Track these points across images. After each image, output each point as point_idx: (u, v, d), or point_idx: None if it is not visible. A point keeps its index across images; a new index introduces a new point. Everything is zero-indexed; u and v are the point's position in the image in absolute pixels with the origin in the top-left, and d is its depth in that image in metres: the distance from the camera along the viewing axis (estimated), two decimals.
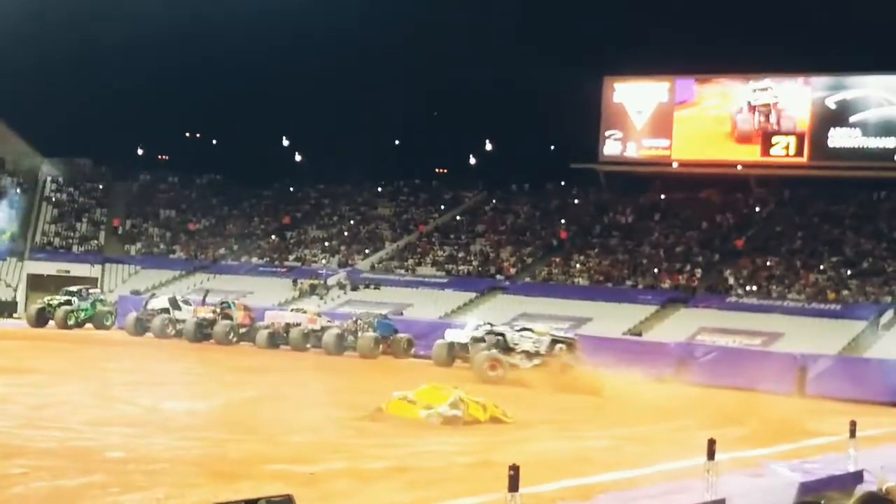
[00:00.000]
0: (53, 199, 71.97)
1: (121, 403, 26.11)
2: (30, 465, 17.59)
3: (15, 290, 61.63)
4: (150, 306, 49.65)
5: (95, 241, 68.74)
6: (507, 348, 37.81)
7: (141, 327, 48.45)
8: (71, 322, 50.36)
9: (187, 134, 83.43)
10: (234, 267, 65.19)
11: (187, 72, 71.36)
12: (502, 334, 38.58)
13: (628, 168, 66.46)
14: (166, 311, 48.59)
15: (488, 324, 41.12)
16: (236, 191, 74.50)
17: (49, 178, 73.72)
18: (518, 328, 39.80)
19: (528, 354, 37.85)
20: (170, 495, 15.72)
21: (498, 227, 67.28)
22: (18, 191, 70.24)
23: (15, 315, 57.62)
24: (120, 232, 70.47)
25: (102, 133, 72.70)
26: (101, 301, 53.12)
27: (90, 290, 53.88)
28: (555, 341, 38.63)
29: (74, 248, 67.53)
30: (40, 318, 50.97)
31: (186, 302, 50.07)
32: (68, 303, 51.24)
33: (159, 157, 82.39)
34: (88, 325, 51.05)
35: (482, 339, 38.94)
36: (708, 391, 36.37)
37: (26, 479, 16.60)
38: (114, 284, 63.05)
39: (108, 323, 51.88)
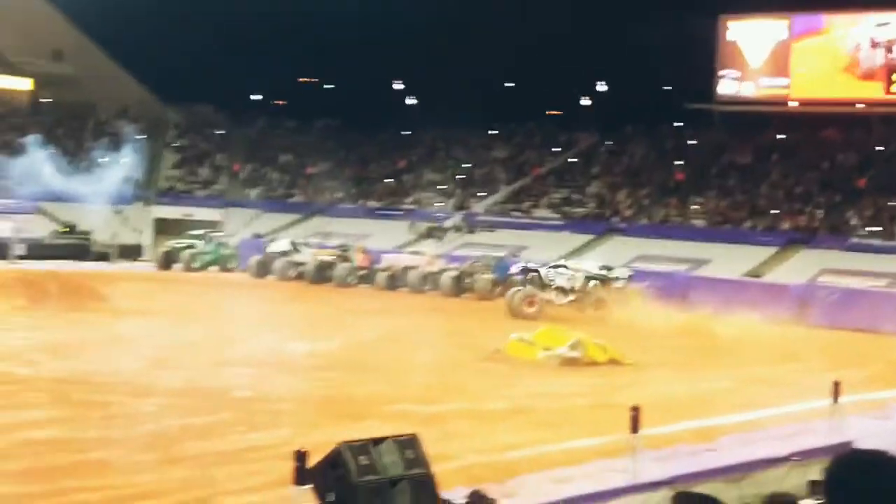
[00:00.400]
0: (176, 145, 73.19)
1: (245, 344, 26.67)
2: (160, 404, 18.17)
3: (141, 234, 62.94)
4: (271, 249, 50.44)
5: (217, 186, 69.79)
6: (542, 285, 38.26)
7: (263, 270, 49.26)
8: (196, 265, 51.37)
9: (302, 79, 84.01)
10: (352, 210, 65.66)
11: (302, 16, 71.81)
12: (537, 271, 38.95)
13: (745, 108, 65.26)
14: (287, 253, 49.33)
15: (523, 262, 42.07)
16: (352, 135, 74.92)
17: (172, 125, 74.96)
18: (552, 264, 40.19)
19: (563, 290, 38.39)
20: (294, 434, 16.11)
21: (613, 169, 66.73)
22: (143, 137, 71.51)
23: (143, 258, 58.93)
24: (240, 176, 71.45)
25: (221, 79, 73.63)
26: (224, 244, 54.07)
27: (213, 234, 54.88)
28: (588, 277, 39.12)
29: (197, 193, 68.63)
30: (166, 261, 52.14)
31: (307, 245, 50.75)
32: (192, 246, 52.29)
33: (276, 102, 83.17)
34: (212, 268, 52.05)
35: (518, 276, 39.34)
36: (831, 333, 35.95)
37: (157, 417, 17.16)
38: (236, 228, 63.94)
39: (232, 266, 52.81)
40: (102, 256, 56.46)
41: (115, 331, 28.18)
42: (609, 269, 44.17)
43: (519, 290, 38.05)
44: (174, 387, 19.88)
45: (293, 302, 38.69)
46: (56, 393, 18.59)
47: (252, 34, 73.52)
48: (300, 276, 47.86)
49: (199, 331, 29.03)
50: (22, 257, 51.19)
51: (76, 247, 56.42)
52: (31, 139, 61.41)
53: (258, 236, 59.41)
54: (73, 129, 70.73)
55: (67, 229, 58.02)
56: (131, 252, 59.15)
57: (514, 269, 41.25)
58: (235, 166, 71.71)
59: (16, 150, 59.55)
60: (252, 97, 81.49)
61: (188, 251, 51.71)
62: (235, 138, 74.96)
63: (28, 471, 13.39)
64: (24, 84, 71.02)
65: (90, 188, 60.29)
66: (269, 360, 24.21)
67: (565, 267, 39.39)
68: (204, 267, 51.69)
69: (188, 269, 50.89)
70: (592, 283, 38.75)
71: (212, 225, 60.57)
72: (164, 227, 63.58)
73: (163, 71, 71.53)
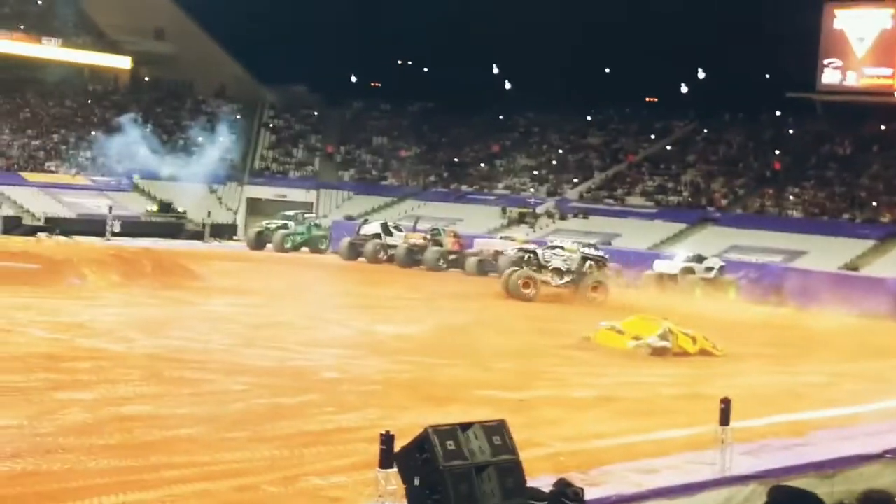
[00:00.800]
0: (271, 126, 73.79)
1: (335, 325, 26.86)
2: (250, 383, 18.33)
3: (235, 213, 63.62)
4: (362, 231, 50.68)
5: (311, 167, 70.26)
6: (539, 266, 38.09)
7: (354, 252, 49.52)
8: (287, 245, 51.78)
9: (399, 61, 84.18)
10: (444, 194, 65.77)
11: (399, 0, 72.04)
12: (534, 252, 38.78)
13: (848, 98, 64.07)
14: (378, 236, 49.52)
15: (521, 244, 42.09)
16: (446, 118, 74.97)
17: (267, 105, 75.61)
18: (549, 245, 40.02)
19: (559, 272, 38.26)
20: (382, 416, 16.14)
21: (709, 157, 66.01)
22: (238, 117, 72.22)
23: (235, 238, 59.55)
24: (334, 158, 71.87)
25: (317, 61, 74.05)
26: (317, 226, 54.43)
27: (306, 215, 55.26)
28: (585, 259, 38.92)
29: (291, 174, 69.19)
30: (259, 241, 52.63)
31: (398, 228, 50.91)
32: (285, 227, 52.70)
33: (372, 84, 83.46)
34: (304, 249, 52.42)
35: (516, 257, 39.20)
36: None
37: (247, 396, 17.31)
38: (328, 209, 64.42)
39: (323, 247, 53.15)
40: (196, 235, 57.14)
41: (207, 309, 28.51)
42: (701, 258, 43.78)
43: (515, 270, 37.98)
44: (264, 366, 20.05)
45: (383, 285, 38.81)
46: (148, 369, 18.83)
47: (349, 16, 73.78)
48: (391, 259, 48.05)
49: (289, 311, 29.25)
50: (118, 234, 51.99)
51: (171, 225, 57.20)
52: (129, 117, 62.39)
53: (350, 218, 59.73)
54: (171, 107, 71.62)
55: (159, 208, 58.76)
56: (224, 231, 59.80)
57: (510, 250, 41.56)
58: (329, 148, 72.10)
59: (114, 128, 60.50)
60: (348, 79, 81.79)
61: (280, 231, 52.12)
62: (330, 120, 75.35)
63: (119, 446, 13.57)
64: (125, 62, 72.00)
65: (186, 167, 61.15)
66: (358, 342, 24.32)
67: (562, 248, 39.32)
68: (296, 247, 52.08)
69: (280, 249, 51.29)
70: (588, 264, 38.70)
71: (304, 206, 60.98)
72: (257, 207, 64.18)
73: (260, 51, 72.05)
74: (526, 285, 37.09)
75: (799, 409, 19.14)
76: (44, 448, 13.16)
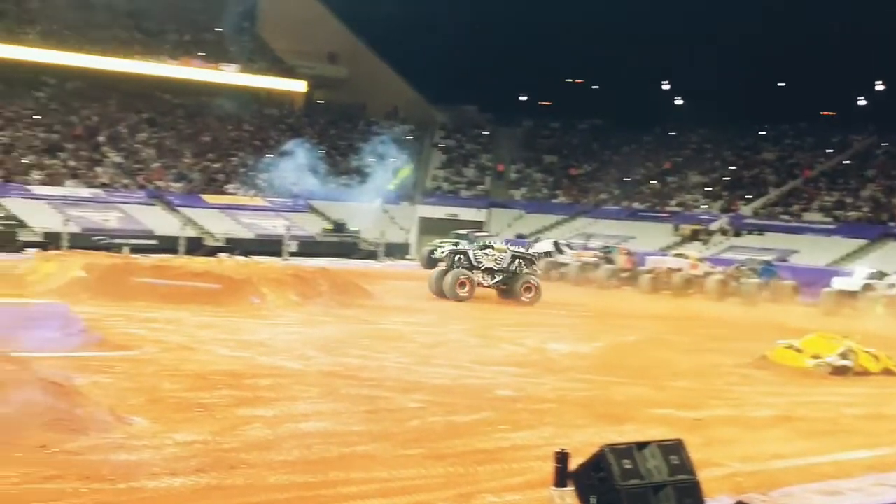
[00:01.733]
0: (442, 146, 74.52)
1: (507, 343, 26.93)
2: (425, 400, 18.49)
3: (408, 232, 64.37)
4: (534, 250, 50.64)
5: (482, 186, 70.71)
6: (471, 266, 37.92)
7: None
8: None
9: (568, 80, 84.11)
10: (616, 212, 65.43)
11: (568, 17, 72.00)
12: (465, 253, 38.55)
13: None
14: (549, 254, 49.48)
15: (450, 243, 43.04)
16: (617, 135, 74.62)
17: (438, 126, 76.40)
18: (479, 246, 39.66)
19: (491, 272, 38.12)
20: (556, 434, 16.13)
21: (890, 171, 64.17)
22: (410, 137, 73.19)
23: (408, 257, 60.21)
24: (505, 177, 72.19)
25: (487, 80, 74.55)
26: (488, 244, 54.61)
27: (477, 234, 55.54)
28: (514, 257, 38.61)
29: (462, 193, 69.73)
30: (431, 260, 53.01)
31: (569, 246, 50.81)
32: (457, 245, 52.99)
33: (541, 102, 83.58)
34: None
35: (449, 258, 38.83)
36: None
37: (423, 414, 17.47)
38: (499, 228, 64.66)
39: None
40: (370, 254, 57.96)
41: (382, 328, 28.87)
42: (882, 275, 42.51)
43: (448, 271, 37.83)
44: (439, 384, 20.21)
45: (554, 303, 38.74)
46: (326, 387, 19.15)
47: (518, 36, 74.10)
48: (562, 277, 47.94)
49: (462, 329, 29.44)
50: (294, 254, 53.09)
51: (345, 245, 58.14)
52: (304, 139, 63.72)
53: (521, 237, 59.84)
54: (345, 129, 72.90)
55: (333, 227, 59.75)
56: (398, 250, 60.54)
57: (439, 252, 41.83)
58: (500, 167, 72.42)
59: (290, 151, 61.88)
60: (517, 98, 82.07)
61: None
62: (500, 139, 75.73)
63: (298, 461, 13.83)
64: (300, 86, 73.62)
65: (359, 187, 62.17)
66: (531, 360, 24.34)
67: (492, 248, 39.10)
68: None
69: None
70: (518, 262, 38.52)
71: (476, 225, 61.38)
72: (429, 227, 64.78)
73: (431, 73, 72.90)
74: (462, 285, 37.18)
75: None
76: (227, 463, 13.51)
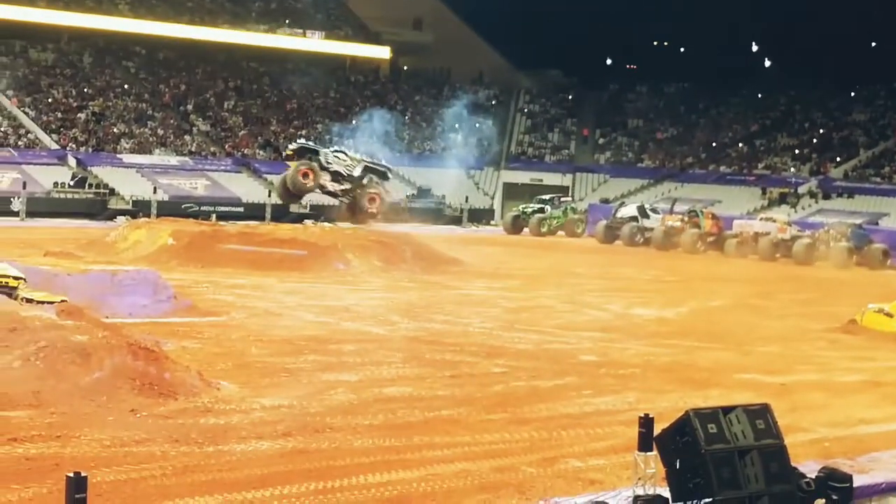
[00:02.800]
0: (526, 111, 74.27)
1: (592, 309, 26.89)
2: (509, 366, 18.54)
3: (492, 198, 64.36)
4: (619, 214, 50.46)
5: (566, 151, 70.41)
6: (321, 165, 37.25)
7: (610, 235, 49.37)
8: (544, 229, 52.08)
9: (655, 42, 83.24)
10: (702, 175, 64.82)
11: None
12: (316, 151, 37.97)
13: None
14: (635, 219, 49.21)
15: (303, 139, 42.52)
16: (704, 99, 73.78)
17: (523, 91, 76.11)
18: (333, 150, 38.85)
19: (339, 176, 37.49)
20: (640, 399, 16.09)
21: None
22: (495, 103, 73.05)
23: (492, 222, 60.25)
24: (590, 141, 71.79)
25: (573, 44, 74.03)
26: (573, 209, 54.56)
27: (562, 199, 55.44)
28: (367, 169, 38.05)
29: (546, 158, 69.49)
30: (515, 226, 53.10)
31: (654, 210, 50.47)
32: (541, 210, 53.02)
33: (628, 66, 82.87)
34: (560, 233, 52.58)
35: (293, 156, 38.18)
36: None
37: (506, 378, 17.52)
38: (584, 193, 64.46)
39: (579, 230, 53.23)
40: (454, 220, 58.04)
41: (465, 293, 28.98)
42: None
43: (298, 162, 37.38)
44: (522, 349, 20.25)
45: (640, 267, 38.56)
46: (410, 352, 19.27)
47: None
48: (647, 242, 47.68)
49: (546, 294, 29.44)
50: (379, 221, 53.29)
51: (430, 210, 58.24)
52: (389, 106, 63.84)
53: (606, 201, 59.56)
54: (429, 95, 72.89)
55: (417, 193, 59.92)
56: (482, 216, 60.56)
57: (292, 146, 40.18)
58: (585, 131, 72.01)
59: (375, 117, 62.03)
60: (604, 62, 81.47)
61: (537, 216, 52.44)
62: (586, 103, 75.24)
63: (382, 426, 13.96)
64: (384, 52, 73.70)
65: (444, 153, 62.24)
66: (616, 325, 24.28)
67: (345, 153, 38.51)
68: (552, 231, 52.31)
69: (536, 233, 51.63)
70: (370, 175, 38.11)
71: (560, 189, 61.21)
72: (513, 192, 64.72)
73: (516, 37, 72.53)
74: (305, 175, 36.65)
75: None
76: (312, 427, 13.67)
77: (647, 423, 10.55)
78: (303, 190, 36.68)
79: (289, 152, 39.49)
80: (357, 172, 38.04)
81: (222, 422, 13.68)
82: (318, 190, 37.74)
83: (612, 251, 46.26)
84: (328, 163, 37.75)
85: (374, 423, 14.11)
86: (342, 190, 37.93)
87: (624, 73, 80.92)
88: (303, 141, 41.84)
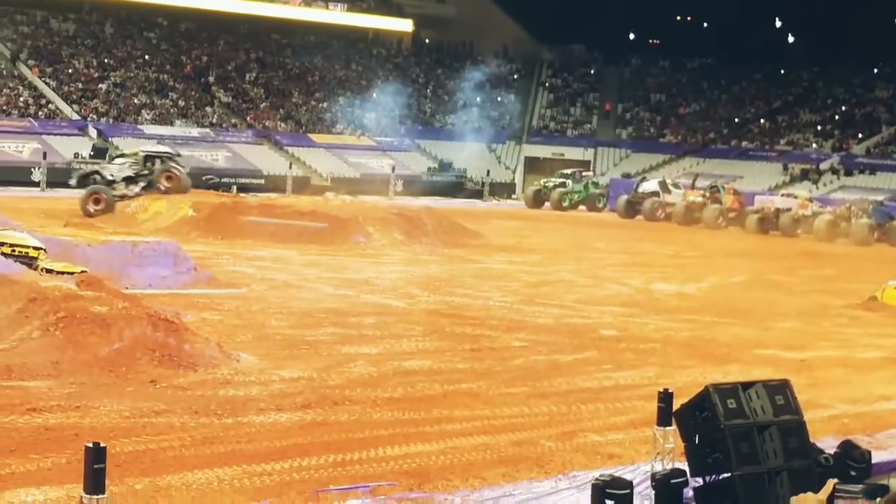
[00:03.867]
0: (549, 85, 73.96)
1: (612, 283, 26.86)
2: (529, 340, 18.55)
3: (514, 172, 64.19)
4: (640, 189, 50.30)
5: (588, 125, 70.09)
6: (106, 182, 36.71)
7: (631, 210, 49.23)
8: (565, 203, 51.96)
9: (678, 17, 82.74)
10: (724, 151, 64.49)
11: None
12: (96, 171, 37.60)
13: None
14: (656, 194, 49.04)
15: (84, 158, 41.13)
16: (727, 74, 73.35)
17: (545, 64, 75.78)
18: (110, 159, 38.81)
19: (132, 180, 37.07)
20: (660, 374, 16.08)
21: None
22: (517, 77, 72.79)
23: (514, 196, 60.12)
24: (612, 116, 71.48)
25: (595, 18, 73.63)
26: (594, 184, 54.41)
27: (583, 173, 55.29)
28: (149, 157, 37.77)
29: (568, 132, 69.20)
30: (537, 200, 52.98)
31: (676, 185, 50.28)
32: (563, 185, 52.89)
33: (650, 41, 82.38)
34: (581, 207, 52.47)
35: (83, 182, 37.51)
36: None
37: (526, 353, 17.54)
38: (605, 167, 64.23)
39: (601, 205, 53.10)
40: (475, 194, 57.95)
41: (486, 267, 28.97)
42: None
43: (88, 188, 36.45)
44: (542, 323, 20.25)
45: (661, 242, 38.47)
46: (429, 325, 19.29)
47: None
48: (669, 217, 47.53)
49: (567, 269, 29.41)
50: (399, 193, 53.30)
51: (451, 184, 58.17)
52: (410, 79, 63.66)
53: (627, 176, 59.38)
54: (452, 69, 72.66)
55: (438, 167, 59.87)
56: (503, 190, 60.44)
57: (72, 180, 39.23)
58: (607, 106, 71.71)
59: (396, 90, 61.97)
60: (626, 36, 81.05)
61: (558, 190, 52.33)
62: (608, 78, 74.88)
63: (402, 398, 13.99)
64: (406, 25, 73.46)
65: (466, 127, 62.10)
66: (636, 300, 24.25)
67: (123, 156, 38.50)
68: (573, 206, 52.21)
69: (558, 207, 51.52)
70: (157, 161, 37.71)
71: (582, 164, 61.01)
72: (534, 166, 64.55)
73: (539, 11, 72.18)
74: (97, 202, 35.58)
75: None
76: (331, 399, 13.72)
77: (666, 397, 10.55)
78: (105, 211, 35.82)
79: (72, 183, 39.16)
80: (142, 167, 37.79)
81: (241, 393, 13.73)
82: (124, 196, 37.03)
83: (633, 226, 46.15)
84: (112, 175, 37.54)
85: (394, 395, 14.14)
86: (142, 187, 37.32)
87: (646, 47, 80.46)
88: (82, 166, 40.54)
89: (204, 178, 47.01)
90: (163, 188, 36.98)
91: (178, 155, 40.53)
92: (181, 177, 37.77)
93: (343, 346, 17.12)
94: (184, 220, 32.25)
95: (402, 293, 23.14)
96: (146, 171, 37.63)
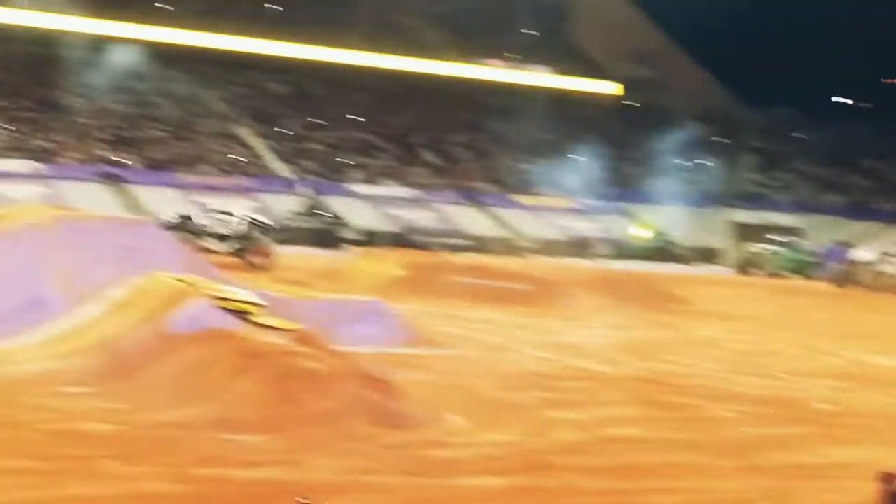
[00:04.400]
0: (756, 148, 72.84)
1: (827, 355, 26.05)
2: (738, 410, 18.07)
3: (719, 237, 63.29)
4: (855, 258, 49.02)
5: (797, 191, 68.71)
6: (196, 233, 36.79)
7: (846, 279, 47.90)
8: (775, 271, 51.01)
9: (888, 80, 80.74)
10: None
11: (888, 15, 69.05)
12: (189, 217, 38.26)
13: None
14: (871, 263, 47.69)
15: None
16: None
17: (751, 128, 74.70)
18: (209, 210, 39.48)
19: (222, 237, 37.31)
20: (878, 453, 15.44)
21: None
22: (722, 140, 71.95)
23: (719, 262, 59.23)
24: (822, 181, 69.87)
25: (803, 81, 72.37)
26: (806, 251, 53.34)
27: (794, 240, 54.26)
28: (253, 224, 38.44)
29: (776, 197, 67.95)
30: (745, 266, 52.16)
31: (893, 255, 48.77)
32: (773, 252, 52.05)
33: (861, 104, 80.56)
34: (791, 275, 51.34)
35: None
36: None
37: (736, 424, 17.08)
38: (817, 234, 62.76)
39: (812, 273, 51.88)
40: (679, 258, 57.32)
41: (694, 333, 28.51)
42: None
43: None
44: (752, 394, 19.73)
45: (877, 313, 37.25)
46: (636, 392, 19.00)
47: (835, 35, 71.68)
48: (886, 288, 46.01)
49: (779, 338, 28.72)
50: (603, 257, 53.13)
51: (655, 248, 57.73)
52: (614, 141, 63.57)
53: (840, 244, 57.83)
54: (655, 131, 72.23)
55: (642, 231, 59.57)
56: (708, 255, 59.63)
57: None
58: (816, 171, 70.20)
59: (600, 153, 61.98)
60: (835, 99, 79.48)
61: (767, 256, 51.48)
62: (817, 142, 73.36)
63: (609, 468, 13.75)
64: (611, 88, 73.52)
65: (669, 190, 61.70)
66: (851, 372, 23.46)
67: (230, 214, 38.59)
68: (783, 273, 51.16)
69: (767, 274, 50.60)
70: (256, 232, 38.23)
71: (790, 230, 59.82)
72: (740, 232, 63.55)
73: (744, 74, 71.52)
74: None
75: None
76: (537, 464, 13.58)
77: (887, 478, 10.11)
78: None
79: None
80: (243, 229, 38.24)
81: (450, 454, 13.73)
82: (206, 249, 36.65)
83: (847, 296, 44.81)
84: (203, 226, 37.94)
85: (600, 463, 13.93)
86: (230, 249, 37.41)
87: (857, 112, 78.65)
88: (184, 212, 41.00)
89: (411, 237, 47.76)
90: (250, 261, 37.08)
91: (269, 224, 41.31)
92: (271, 256, 38.01)
93: (549, 410, 16.98)
94: (392, 279, 32.70)
95: (608, 358, 22.91)
96: (242, 236, 38.20)
